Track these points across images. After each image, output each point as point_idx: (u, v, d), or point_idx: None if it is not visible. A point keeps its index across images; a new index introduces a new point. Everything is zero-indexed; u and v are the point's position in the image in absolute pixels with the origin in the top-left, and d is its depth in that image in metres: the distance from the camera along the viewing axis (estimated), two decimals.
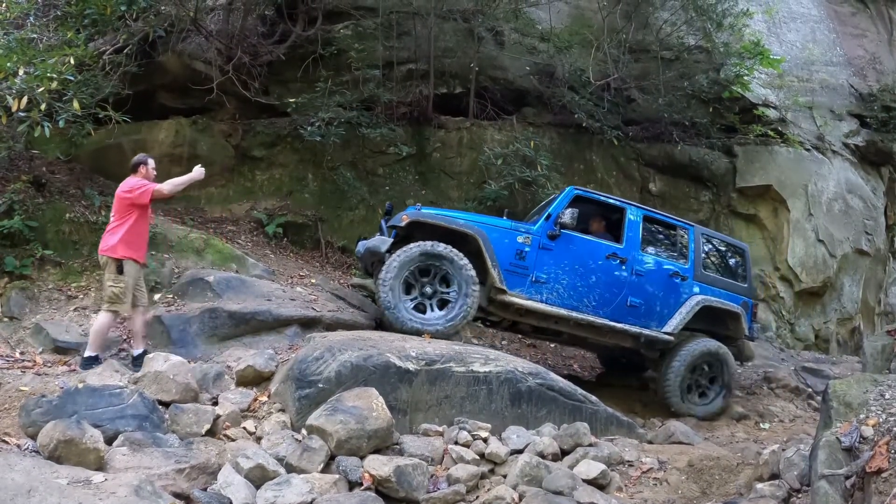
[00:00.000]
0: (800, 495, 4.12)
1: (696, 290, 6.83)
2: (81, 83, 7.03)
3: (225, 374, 5.37)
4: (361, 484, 4.25)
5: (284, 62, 9.09)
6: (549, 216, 6.38)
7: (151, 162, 5.77)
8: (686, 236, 7.00)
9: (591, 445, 5.06)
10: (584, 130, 9.55)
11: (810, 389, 7.78)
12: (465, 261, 5.97)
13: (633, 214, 6.75)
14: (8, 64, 6.53)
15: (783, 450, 4.62)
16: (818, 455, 3.81)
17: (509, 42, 10.00)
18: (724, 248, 7.56)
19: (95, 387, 4.58)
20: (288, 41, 9.02)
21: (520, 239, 6.27)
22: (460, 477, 4.47)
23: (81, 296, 6.39)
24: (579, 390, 5.65)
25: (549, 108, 9.82)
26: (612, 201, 6.89)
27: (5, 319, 6.11)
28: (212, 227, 8.15)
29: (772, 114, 10.80)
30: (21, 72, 6.46)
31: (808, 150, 10.91)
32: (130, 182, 5.57)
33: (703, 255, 7.06)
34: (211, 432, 4.61)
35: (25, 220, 6.56)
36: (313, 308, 6.40)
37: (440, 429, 4.98)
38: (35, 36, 7.87)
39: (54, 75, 6.45)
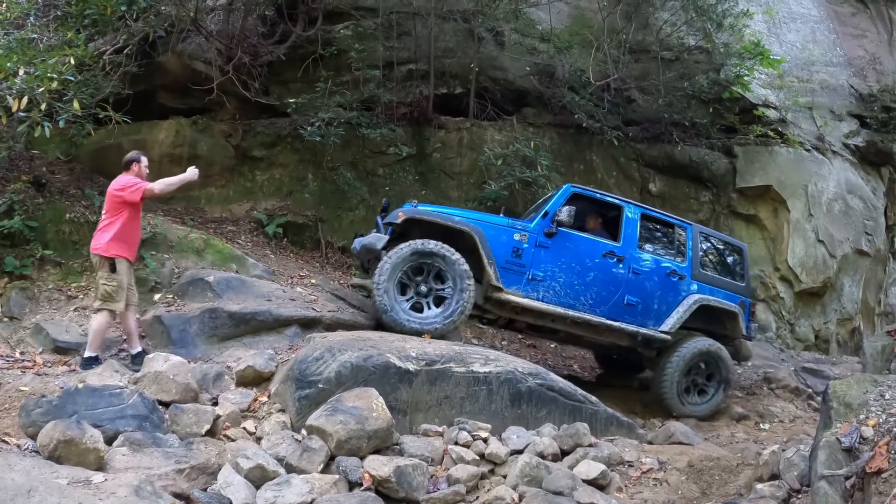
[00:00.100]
0: (800, 496, 4.12)
1: (694, 288, 6.82)
2: (81, 83, 7.03)
3: (225, 374, 5.37)
4: (361, 484, 4.25)
5: (285, 62, 9.09)
6: (546, 214, 6.37)
7: (144, 160, 5.73)
8: (684, 235, 6.98)
9: (591, 446, 5.06)
10: (584, 131, 9.55)
11: (810, 390, 7.78)
12: (458, 255, 5.93)
13: (630, 212, 6.74)
14: (8, 64, 6.53)
15: (783, 450, 4.62)
16: (818, 455, 3.81)
17: (509, 42, 10.00)
18: (722, 247, 7.54)
19: (95, 387, 4.58)
20: (288, 41, 9.03)
21: (516, 236, 6.26)
22: (460, 477, 4.47)
23: (81, 296, 6.39)
24: (579, 391, 5.65)
25: (550, 109, 9.82)
26: (609, 199, 6.88)
27: (5, 319, 6.11)
28: (212, 227, 8.15)
29: (772, 114, 10.79)
30: (21, 72, 6.46)
31: (808, 150, 10.91)
32: (122, 180, 5.53)
33: (701, 253, 7.05)
34: (211, 432, 4.61)
35: (25, 220, 6.57)
36: (313, 308, 6.40)
37: (440, 429, 4.98)
38: (35, 36, 7.88)
39: (54, 75, 6.45)
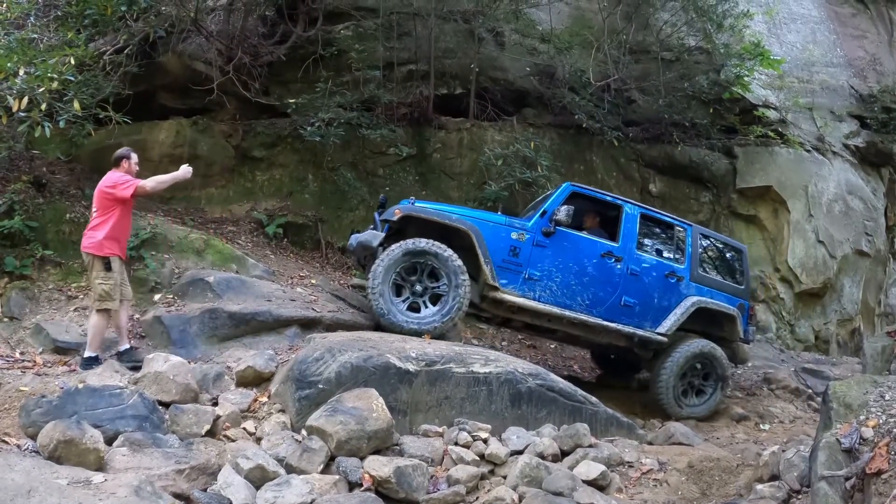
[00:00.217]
0: (800, 496, 4.12)
1: (692, 290, 6.79)
2: (82, 83, 7.03)
3: (225, 374, 5.37)
4: (361, 485, 4.25)
5: (285, 63, 9.09)
6: (544, 213, 6.34)
7: (134, 156, 5.68)
8: (683, 236, 6.95)
9: (591, 446, 5.06)
10: (584, 131, 9.55)
11: (810, 390, 7.78)
12: (450, 252, 5.89)
13: (630, 212, 6.71)
14: (8, 64, 6.53)
15: (783, 451, 4.62)
16: (818, 456, 3.81)
17: (510, 43, 10.00)
18: (722, 249, 7.52)
19: (95, 387, 4.58)
20: (288, 42, 9.03)
21: (514, 235, 6.23)
22: (460, 478, 4.47)
23: (81, 296, 6.38)
24: (579, 391, 5.65)
25: (550, 109, 9.82)
26: (609, 198, 6.85)
27: (5, 319, 6.11)
28: (212, 227, 8.16)
29: (772, 115, 10.79)
30: (21, 72, 6.46)
31: (808, 151, 10.91)
32: (113, 177, 5.47)
33: (701, 255, 7.03)
34: (211, 433, 4.61)
35: (26, 220, 6.57)
36: (313, 309, 6.40)
37: (440, 430, 4.98)
38: (35, 36, 7.88)
39: (55, 75, 6.45)
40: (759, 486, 4.37)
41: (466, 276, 5.93)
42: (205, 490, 3.99)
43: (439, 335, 5.93)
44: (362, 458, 4.46)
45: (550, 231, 6.28)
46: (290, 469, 4.30)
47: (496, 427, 5.09)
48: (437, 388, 5.14)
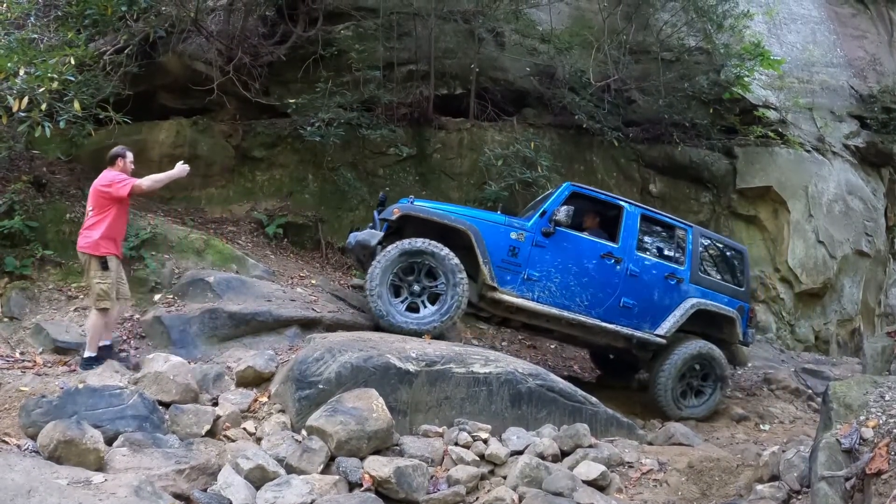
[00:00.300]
0: (800, 497, 4.12)
1: (692, 292, 6.77)
2: (82, 83, 7.03)
3: (225, 374, 5.37)
4: (361, 485, 4.25)
5: (285, 63, 9.09)
6: (544, 213, 6.33)
7: (130, 155, 5.65)
8: (684, 237, 6.94)
9: (591, 447, 5.06)
10: (584, 131, 9.55)
11: (810, 391, 7.78)
12: (446, 250, 5.87)
13: (630, 212, 6.68)
14: (9, 64, 6.53)
15: (783, 451, 4.62)
16: (818, 457, 3.81)
17: (510, 43, 10.00)
18: (722, 250, 7.49)
19: (95, 387, 4.58)
20: (288, 42, 9.02)
21: (513, 235, 6.22)
22: (460, 478, 4.47)
23: (81, 296, 6.38)
24: (579, 391, 5.65)
25: (550, 110, 9.82)
26: (609, 198, 6.83)
27: (5, 319, 6.11)
28: (212, 227, 8.16)
29: (772, 115, 10.80)
30: (22, 72, 6.46)
31: (808, 151, 10.91)
32: (108, 176, 5.43)
33: (701, 256, 7.01)
34: (211, 433, 4.61)
35: (26, 220, 6.57)
36: (313, 309, 6.40)
37: (440, 430, 4.99)
38: (36, 36, 7.88)
39: (55, 75, 6.45)
40: (759, 487, 4.37)
41: (464, 275, 5.92)
42: (205, 490, 4.00)
43: (439, 335, 5.93)
44: (362, 459, 4.46)
45: (550, 231, 6.26)
46: (290, 469, 4.30)
47: (496, 427, 5.09)
48: (437, 389, 5.14)
